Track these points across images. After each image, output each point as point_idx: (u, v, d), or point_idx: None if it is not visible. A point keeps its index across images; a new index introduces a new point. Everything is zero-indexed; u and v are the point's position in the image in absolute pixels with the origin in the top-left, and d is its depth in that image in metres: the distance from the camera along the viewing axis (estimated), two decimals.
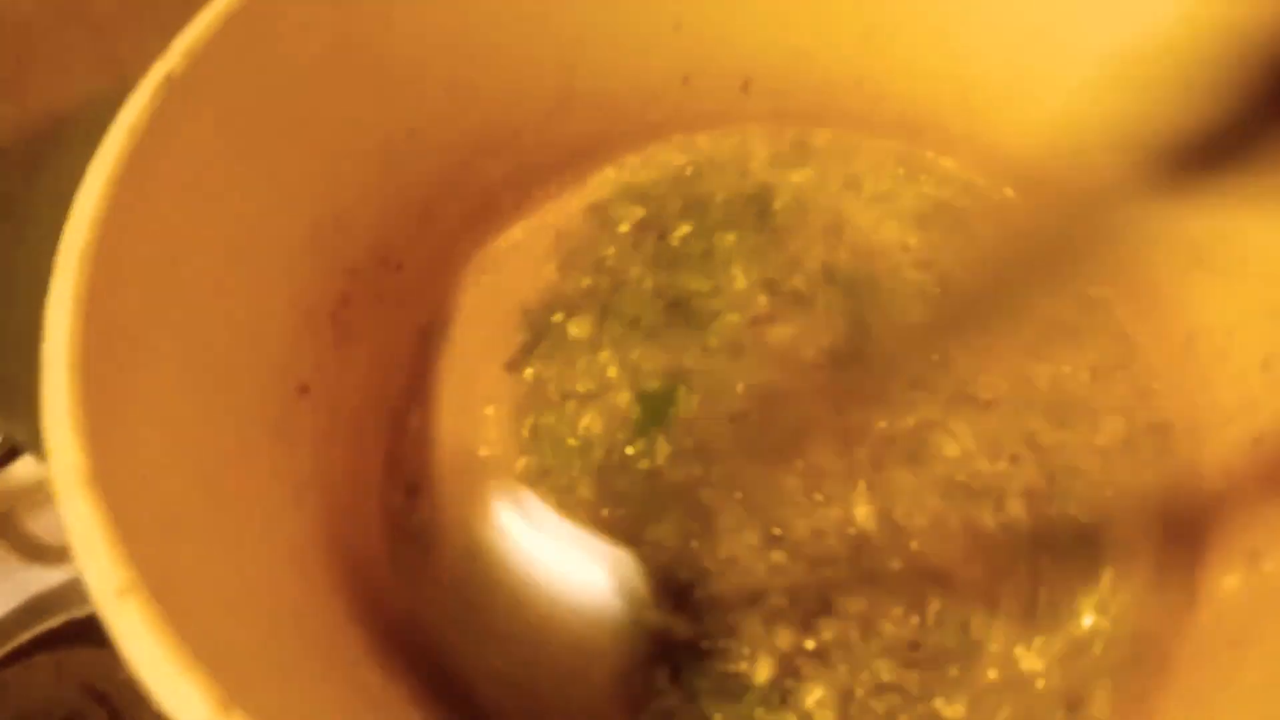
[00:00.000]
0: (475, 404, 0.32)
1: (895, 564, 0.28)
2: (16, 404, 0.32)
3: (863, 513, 0.29)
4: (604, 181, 0.36)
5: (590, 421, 0.31)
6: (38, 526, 0.39)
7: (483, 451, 0.31)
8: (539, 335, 0.33)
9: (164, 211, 0.24)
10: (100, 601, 0.18)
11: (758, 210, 0.34)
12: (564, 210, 0.35)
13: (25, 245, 0.32)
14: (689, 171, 0.36)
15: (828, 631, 0.27)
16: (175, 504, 0.22)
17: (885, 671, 0.27)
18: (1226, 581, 0.27)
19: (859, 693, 0.27)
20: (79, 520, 0.19)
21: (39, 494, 0.39)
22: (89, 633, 0.33)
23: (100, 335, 0.21)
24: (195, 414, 0.24)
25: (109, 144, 0.23)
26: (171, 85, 0.25)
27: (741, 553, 0.29)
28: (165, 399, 0.23)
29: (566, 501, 0.30)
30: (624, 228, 0.34)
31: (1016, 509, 0.29)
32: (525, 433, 0.31)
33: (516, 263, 0.35)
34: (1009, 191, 0.35)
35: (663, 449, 0.30)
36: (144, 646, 0.18)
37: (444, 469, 0.31)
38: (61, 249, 0.22)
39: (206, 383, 0.25)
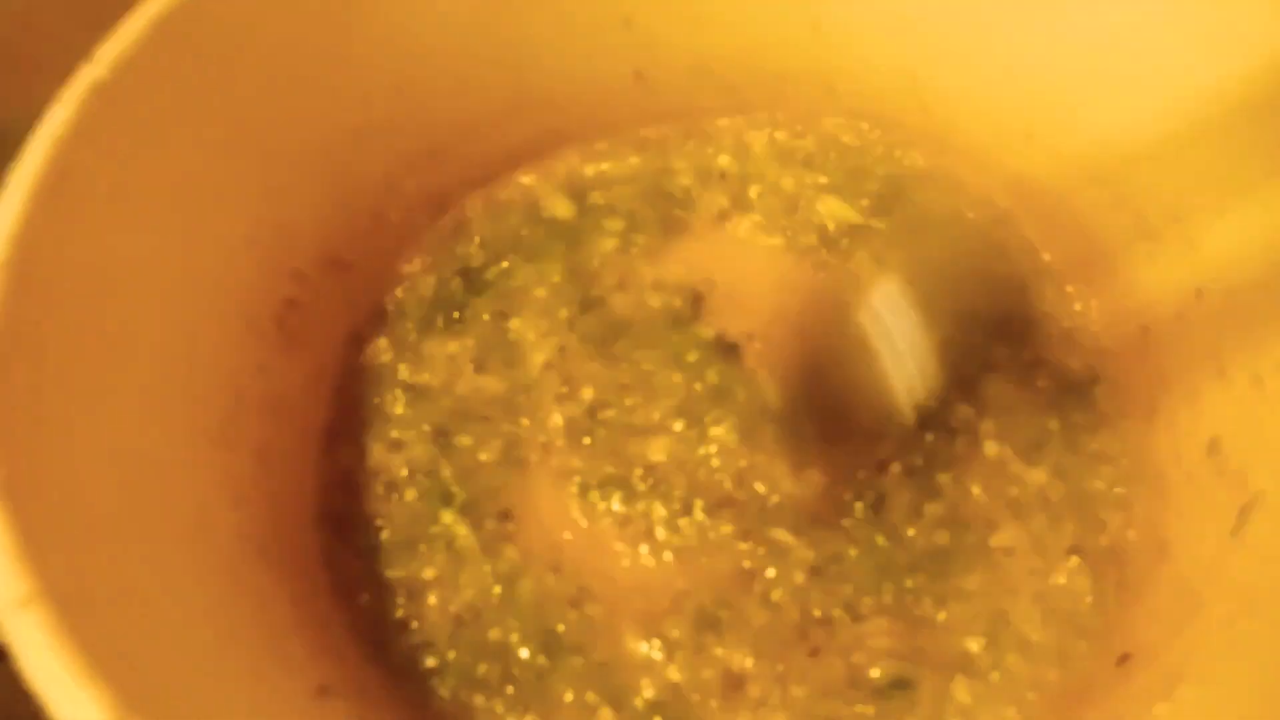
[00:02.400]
0: None
1: None
2: None
3: None
4: (558, 179, 0.35)
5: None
6: None
7: None
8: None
9: (90, 221, 0.24)
10: (1, 612, 0.18)
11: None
12: (518, 207, 0.35)
13: None
14: (643, 168, 0.35)
15: None
16: (98, 511, 0.22)
17: None
18: None
19: None
20: None
21: None
22: None
23: (17, 345, 0.22)
24: (126, 422, 0.24)
25: (30, 156, 0.23)
26: (98, 94, 0.25)
27: None
28: (92, 407, 0.23)
29: None
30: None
31: None
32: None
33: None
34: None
35: None
36: (41, 657, 0.18)
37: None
38: None
39: (139, 391, 0.25)
